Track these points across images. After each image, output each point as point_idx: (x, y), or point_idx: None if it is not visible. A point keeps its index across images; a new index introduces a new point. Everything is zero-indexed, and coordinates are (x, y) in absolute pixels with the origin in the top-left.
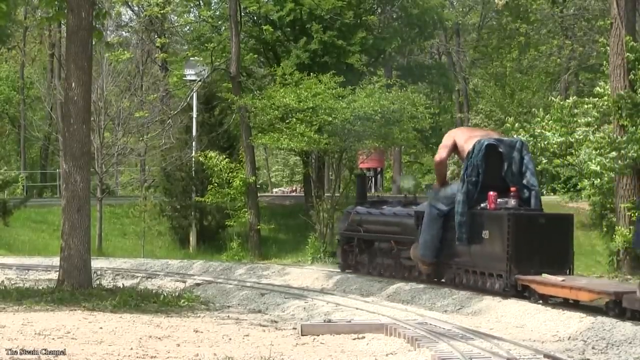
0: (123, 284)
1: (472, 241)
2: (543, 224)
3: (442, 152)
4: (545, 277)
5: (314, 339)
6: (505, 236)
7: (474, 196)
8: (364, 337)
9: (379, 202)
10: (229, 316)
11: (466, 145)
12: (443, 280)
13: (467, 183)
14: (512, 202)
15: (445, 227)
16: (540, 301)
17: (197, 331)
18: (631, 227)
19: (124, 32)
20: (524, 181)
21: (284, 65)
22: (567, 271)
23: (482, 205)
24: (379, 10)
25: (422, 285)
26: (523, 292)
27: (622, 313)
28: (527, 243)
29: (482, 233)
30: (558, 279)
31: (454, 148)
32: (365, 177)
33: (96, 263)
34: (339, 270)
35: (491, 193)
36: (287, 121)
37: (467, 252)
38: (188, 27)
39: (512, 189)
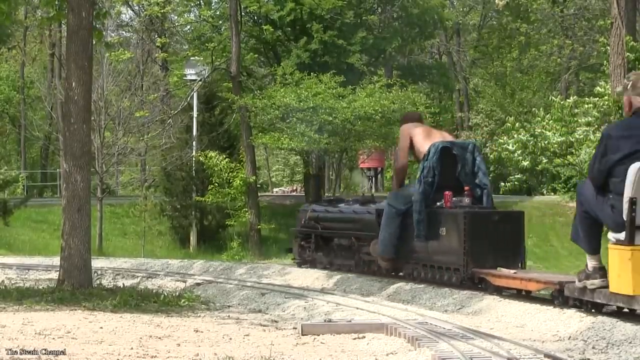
0: (123, 284)
1: (429, 238)
2: (497, 221)
3: (403, 160)
4: (500, 270)
5: (315, 338)
6: (462, 233)
7: (430, 196)
8: (364, 337)
9: (335, 201)
10: (229, 316)
11: (422, 148)
12: (401, 274)
13: (424, 184)
14: (466, 200)
15: (403, 225)
16: (495, 292)
17: (197, 331)
18: None
19: (124, 32)
20: (477, 181)
21: (285, 65)
22: (520, 264)
23: (438, 203)
24: (380, 10)
25: (422, 285)
26: (479, 284)
27: (565, 301)
28: (482, 239)
29: (439, 230)
30: (511, 271)
31: (411, 148)
32: (319, 176)
33: (96, 263)
34: (297, 266)
35: (447, 192)
36: (288, 121)
37: (425, 248)
38: (188, 27)
39: (466, 188)
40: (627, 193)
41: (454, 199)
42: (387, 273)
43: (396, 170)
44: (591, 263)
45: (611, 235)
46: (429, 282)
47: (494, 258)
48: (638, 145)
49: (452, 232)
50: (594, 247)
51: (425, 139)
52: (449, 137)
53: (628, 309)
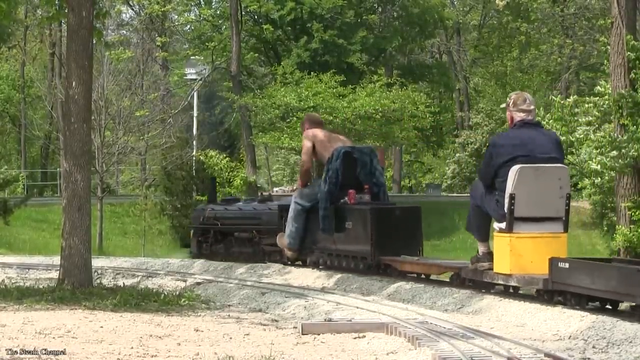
0: (124, 283)
1: (335, 231)
2: (398, 215)
3: (307, 163)
4: (404, 257)
5: (315, 337)
6: (369, 226)
7: (334, 194)
8: (364, 336)
9: (232, 200)
10: (229, 315)
11: (326, 153)
12: (307, 263)
13: (329, 184)
14: (367, 197)
15: (309, 220)
16: (400, 276)
17: (197, 330)
18: (631, 226)
19: (124, 31)
20: (374, 180)
21: (285, 64)
22: (418, 252)
23: (342, 200)
24: (380, 10)
25: (422, 285)
26: (385, 270)
27: (463, 283)
28: (386, 231)
29: (345, 224)
30: (414, 258)
31: (314, 152)
32: (215, 179)
33: (97, 262)
34: (193, 259)
35: (351, 191)
36: (288, 120)
37: (331, 240)
38: (189, 26)
39: (366, 186)
40: (508, 190)
41: (356, 196)
42: (291, 263)
43: (301, 172)
44: (481, 249)
45: (496, 225)
46: (335, 269)
47: (396, 247)
48: (517, 151)
49: (359, 225)
50: (484, 235)
51: (327, 143)
52: (347, 142)
53: (508, 285)
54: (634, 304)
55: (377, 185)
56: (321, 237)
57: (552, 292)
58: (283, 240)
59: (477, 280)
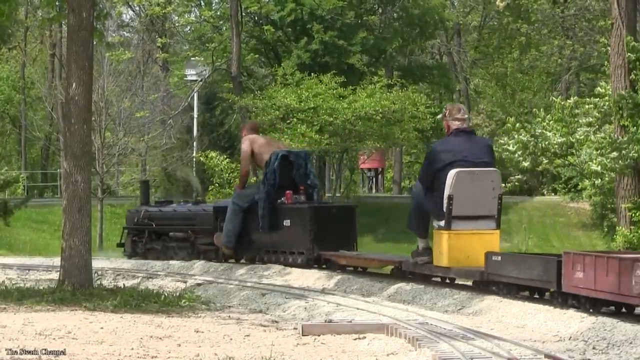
0: (124, 284)
1: (274, 229)
2: (335, 213)
3: (246, 167)
4: (342, 252)
5: (315, 339)
6: (308, 223)
7: (272, 194)
8: (365, 337)
9: (165, 202)
10: (229, 316)
11: (264, 157)
12: (243, 260)
13: (267, 185)
14: (302, 197)
15: (246, 220)
16: (339, 270)
17: (198, 331)
18: (632, 227)
19: (125, 32)
20: (309, 182)
21: (285, 65)
22: (353, 247)
23: (279, 200)
24: (380, 11)
25: (422, 286)
26: (324, 264)
27: (403, 275)
28: (324, 228)
29: (283, 222)
30: (354, 253)
31: (253, 156)
32: (148, 182)
33: (97, 263)
34: (127, 258)
35: (288, 192)
36: (288, 121)
37: (269, 237)
38: (189, 27)
39: (301, 188)
40: (447, 192)
41: (293, 196)
42: (227, 259)
43: (241, 175)
44: (421, 244)
45: (435, 223)
46: (273, 263)
47: (333, 243)
48: (454, 157)
49: (298, 223)
50: (424, 232)
51: (265, 147)
52: (282, 147)
53: (446, 277)
54: (552, 289)
55: (311, 186)
56: (258, 235)
57: (487, 282)
58: (220, 238)
59: (417, 272)
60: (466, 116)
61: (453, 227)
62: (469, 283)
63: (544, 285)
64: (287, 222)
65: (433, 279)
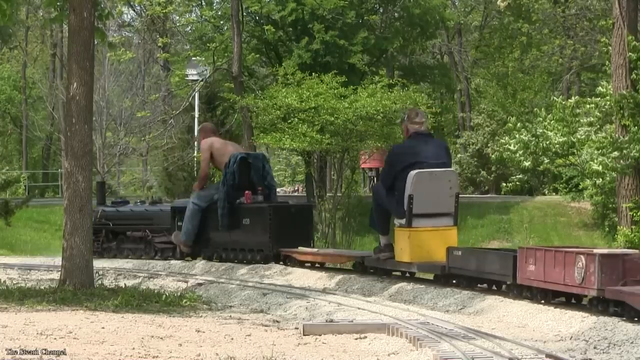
0: (125, 284)
1: (233, 227)
2: (293, 212)
3: (205, 169)
4: (301, 249)
5: (316, 338)
6: (268, 222)
7: (231, 194)
8: (366, 337)
9: (121, 202)
10: (231, 316)
11: (224, 158)
12: (201, 257)
13: (227, 186)
14: (260, 197)
15: (205, 219)
16: (297, 265)
17: (199, 331)
18: (633, 227)
19: (125, 32)
20: (266, 182)
21: (286, 65)
22: (310, 244)
23: (239, 200)
24: (381, 10)
25: (423, 285)
26: (283, 261)
27: (365, 270)
28: (283, 226)
29: (242, 221)
30: (314, 249)
31: (212, 159)
32: (104, 183)
33: (98, 263)
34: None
35: (247, 192)
36: (289, 121)
37: (228, 236)
38: (190, 27)
39: (259, 188)
40: (407, 191)
41: (252, 196)
42: (184, 256)
43: (200, 177)
44: (383, 241)
45: (396, 221)
46: (231, 261)
47: (291, 240)
48: (414, 158)
49: (257, 221)
50: (385, 229)
51: (223, 150)
52: (240, 149)
53: (408, 272)
54: (508, 282)
55: (268, 187)
56: (217, 233)
57: (448, 276)
58: (179, 237)
59: (379, 267)
60: (424, 120)
61: (414, 225)
62: (431, 277)
63: (501, 278)
64: (246, 221)
65: (394, 273)
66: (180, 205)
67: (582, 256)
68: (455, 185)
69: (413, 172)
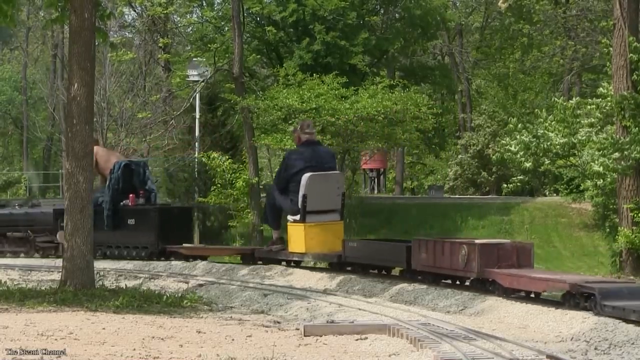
0: (126, 285)
1: (118, 227)
2: (175, 213)
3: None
4: (186, 245)
5: (317, 339)
6: (153, 222)
7: (116, 197)
8: (366, 338)
9: (1, 206)
10: (231, 317)
11: (108, 164)
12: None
13: (112, 190)
14: (142, 200)
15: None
16: (184, 259)
17: (200, 332)
18: (634, 227)
19: (126, 33)
20: (147, 187)
21: (287, 65)
22: (191, 241)
23: (123, 203)
24: (382, 11)
25: (424, 286)
26: (168, 257)
27: (254, 261)
28: (167, 226)
29: (127, 221)
30: (200, 245)
31: (96, 166)
32: None
33: (99, 264)
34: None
35: (131, 195)
36: (290, 122)
37: (113, 235)
38: (191, 28)
39: (141, 192)
40: (302, 192)
41: (135, 199)
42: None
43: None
44: (275, 235)
45: (290, 217)
46: (115, 257)
47: (175, 238)
48: (305, 164)
49: (143, 221)
50: (277, 225)
51: (107, 157)
52: (122, 157)
53: (298, 260)
54: (401, 268)
55: (148, 191)
56: (102, 232)
57: (343, 264)
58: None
59: (270, 258)
60: (314, 130)
61: (307, 220)
62: (326, 265)
63: (396, 264)
64: (131, 221)
65: (282, 262)
66: (62, 207)
67: (465, 246)
68: (342, 186)
69: (307, 175)
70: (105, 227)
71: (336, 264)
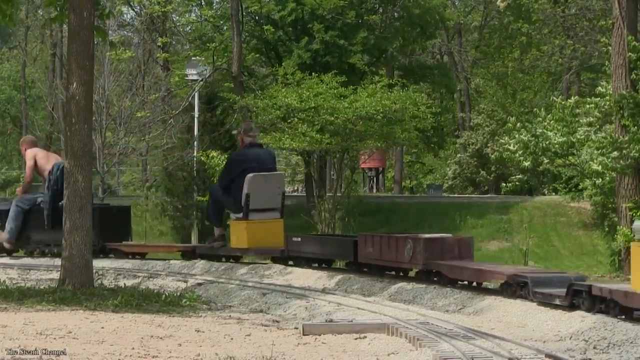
0: (125, 284)
1: (58, 226)
2: (114, 212)
3: (30, 176)
4: (127, 243)
5: (316, 338)
6: (94, 220)
7: (56, 197)
8: (365, 337)
9: None
10: (230, 316)
11: (47, 166)
12: (24, 251)
13: (52, 190)
14: None
15: (28, 219)
16: (123, 256)
17: (198, 331)
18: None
19: (125, 32)
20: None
21: (286, 65)
22: (129, 239)
23: (61, 203)
24: (381, 10)
25: (423, 285)
26: (108, 254)
27: (195, 257)
28: (107, 224)
29: None
30: (140, 242)
31: (36, 167)
32: None
33: (98, 263)
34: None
35: None
36: (289, 121)
37: (53, 234)
38: (190, 27)
39: None
40: (245, 191)
41: None
42: (8, 253)
43: (25, 182)
44: (217, 232)
45: (233, 215)
46: (53, 255)
47: (114, 236)
48: (248, 165)
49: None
50: (219, 222)
51: (46, 159)
52: (59, 158)
53: (239, 256)
54: (347, 260)
55: None
56: (42, 232)
57: (287, 257)
58: (3, 235)
59: (212, 254)
60: (256, 133)
61: (250, 218)
62: (268, 261)
63: (343, 258)
64: None
65: (228, 258)
66: (2, 207)
67: (410, 240)
68: (282, 186)
69: (250, 175)
70: (45, 227)
71: (279, 258)
